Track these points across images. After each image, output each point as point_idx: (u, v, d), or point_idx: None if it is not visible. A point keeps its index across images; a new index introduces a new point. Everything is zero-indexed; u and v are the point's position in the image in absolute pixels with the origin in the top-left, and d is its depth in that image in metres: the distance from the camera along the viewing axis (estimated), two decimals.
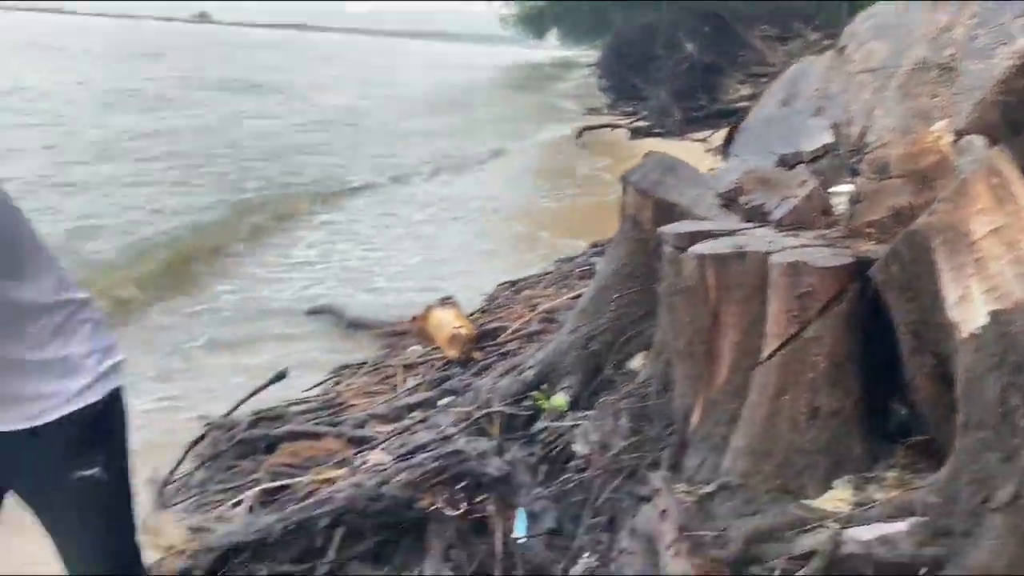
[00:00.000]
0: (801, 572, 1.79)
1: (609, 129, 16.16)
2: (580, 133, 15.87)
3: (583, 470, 2.53)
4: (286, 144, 13.99)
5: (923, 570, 1.65)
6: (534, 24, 42.78)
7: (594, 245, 5.07)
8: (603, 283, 2.87)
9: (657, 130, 15.21)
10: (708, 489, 2.04)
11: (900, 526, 1.79)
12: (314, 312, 5.89)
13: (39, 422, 1.71)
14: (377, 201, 10.27)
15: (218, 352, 5.28)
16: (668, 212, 2.52)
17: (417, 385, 3.68)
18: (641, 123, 16.29)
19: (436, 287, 5.42)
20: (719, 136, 9.53)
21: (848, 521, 1.88)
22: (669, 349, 2.32)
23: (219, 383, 4.76)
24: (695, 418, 2.19)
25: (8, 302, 1.65)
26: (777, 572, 1.83)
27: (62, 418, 1.72)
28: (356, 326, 5.48)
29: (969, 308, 1.66)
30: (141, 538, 2.24)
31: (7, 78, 19.44)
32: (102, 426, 1.79)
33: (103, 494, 1.81)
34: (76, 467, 1.75)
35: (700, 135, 12.66)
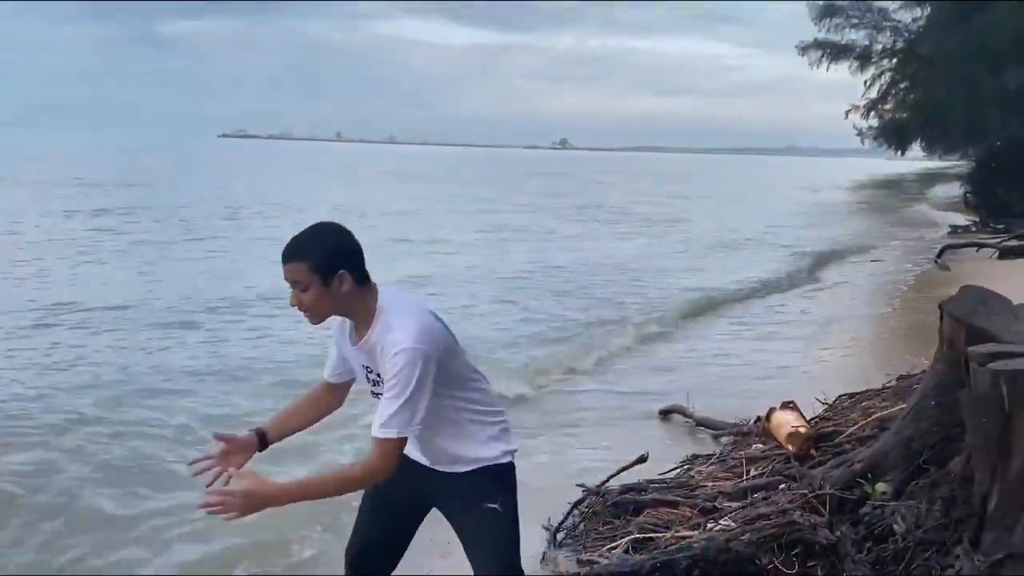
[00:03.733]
0: None
1: (975, 249, 15.45)
2: (941, 252, 15.37)
3: (900, 545, 3.08)
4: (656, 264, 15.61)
5: None
6: (896, 136, 40.95)
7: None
8: (925, 394, 3.43)
9: None
10: (999, 557, 2.54)
11: None
12: (665, 412, 6.79)
13: (465, 470, 2.56)
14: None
15: (587, 434, 6.39)
16: (979, 336, 3.06)
17: (760, 473, 4.38)
18: (1013, 242, 15.38)
19: (781, 394, 6.04)
20: None
21: None
22: (972, 447, 2.85)
23: (587, 458, 5.83)
24: (992, 503, 2.70)
25: (454, 408, 2.50)
26: None
27: (477, 469, 2.56)
28: (703, 425, 6.28)
29: None
30: (540, 565, 3.23)
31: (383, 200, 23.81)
32: (501, 480, 2.60)
33: (499, 523, 2.58)
34: (484, 500, 2.57)
35: None
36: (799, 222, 25.85)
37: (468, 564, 2.64)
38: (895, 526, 3.18)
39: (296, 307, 2.39)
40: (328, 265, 2.33)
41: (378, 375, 2.42)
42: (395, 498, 2.65)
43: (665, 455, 5.51)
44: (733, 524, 3.77)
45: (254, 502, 2.23)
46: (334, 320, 2.50)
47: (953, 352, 3.17)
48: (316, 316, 2.41)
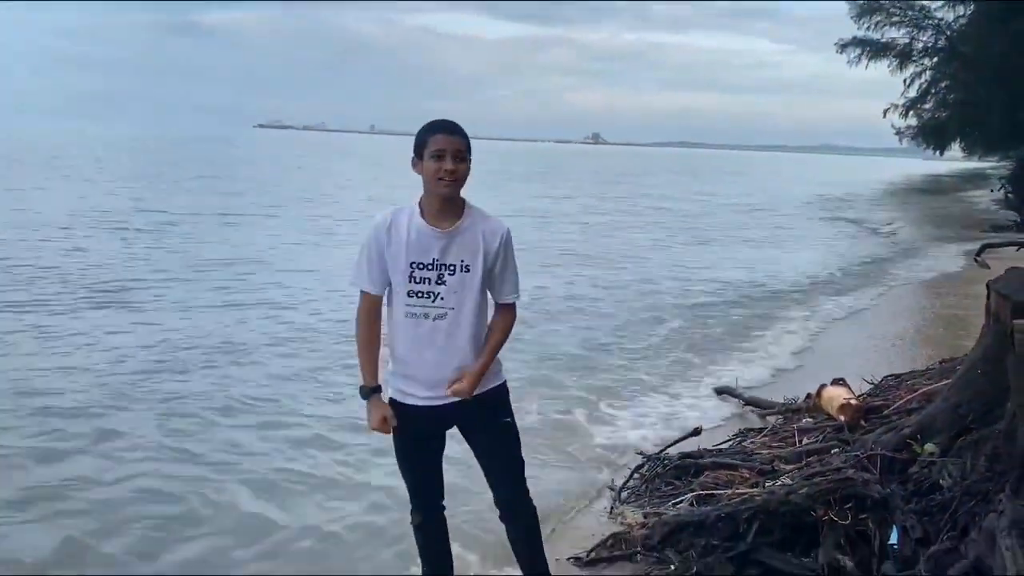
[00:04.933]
0: None
1: (1015, 249, 15.56)
2: (981, 251, 15.51)
3: (946, 496, 3.43)
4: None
5: None
6: (935, 136, 40.58)
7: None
8: (972, 364, 3.77)
9: None
10: None
11: None
12: (719, 391, 7.14)
13: (484, 390, 3.01)
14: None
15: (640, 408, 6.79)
16: (1023, 310, 3.40)
17: (812, 441, 4.74)
18: None
19: (826, 377, 6.37)
20: None
21: None
22: (1015, 406, 3.19)
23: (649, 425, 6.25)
24: None
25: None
26: None
27: (491, 389, 3.04)
28: (752, 404, 6.63)
29: None
30: (608, 519, 3.64)
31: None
32: (506, 397, 3.12)
33: (512, 434, 3.13)
34: (499, 415, 3.09)
35: None
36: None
37: None
38: (942, 481, 3.54)
39: (448, 174, 2.78)
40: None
41: (442, 263, 2.85)
42: (424, 448, 3.10)
43: (716, 432, 5.89)
44: (790, 482, 4.13)
45: (473, 382, 2.93)
46: (375, 231, 2.89)
47: (999, 325, 3.51)
48: (457, 187, 2.83)
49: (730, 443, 5.46)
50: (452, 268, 2.87)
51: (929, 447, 3.72)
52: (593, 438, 5.99)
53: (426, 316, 2.90)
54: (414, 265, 2.85)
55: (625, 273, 14.06)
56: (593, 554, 4.08)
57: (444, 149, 2.78)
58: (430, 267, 2.85)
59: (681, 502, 4.39)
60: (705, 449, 5.23)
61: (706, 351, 8.65)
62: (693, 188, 44.82)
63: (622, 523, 4.43)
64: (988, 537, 2.97)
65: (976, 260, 14.98)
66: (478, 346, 2.98)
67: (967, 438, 3.53)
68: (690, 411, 6.62)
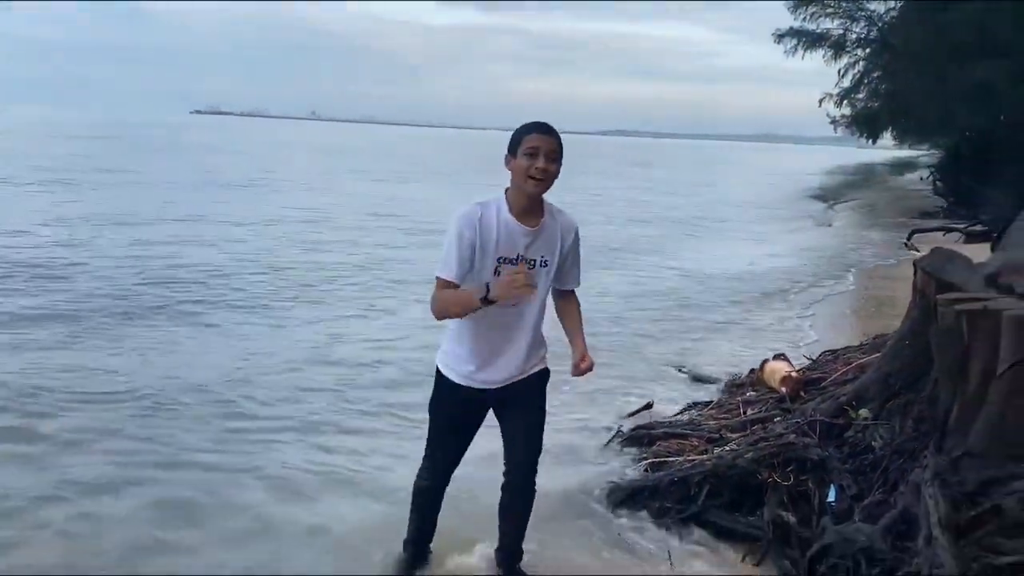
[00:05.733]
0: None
1: (942, 233, 16.31)
2: (911, 235, 16.22)
3: (878, 455, 3.79)
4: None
5: None
6: (868, 125, 41.82)
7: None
8: (900, 337, 4.13)
9: (994, 234, 15.16)
10: (956, 455, 3.25)
11: None
12: (672, 368, 7.47)
13: (531, 373, 3.20)
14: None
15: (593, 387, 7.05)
16: (946, 287, 3.76)
17: (756, 412, 5.08)
18: (977, 228, 16.25)
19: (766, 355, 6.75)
20: None
21: None
22: (938, 372, 3.55)
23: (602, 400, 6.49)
24: (952, 416, 3.41)
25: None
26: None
27: (540, 371, 3.22)
28: (701, 380, 6.98)
29: None
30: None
31: None
32: (547, 382, 3.28)
33: (543, 419, 3.30)
34: (538, 399, 3.26)
35: None
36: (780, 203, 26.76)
37: None
38: (874, 442, 3.90)
39: (540, 172, 2.85)
40: None
41: (525, 258, 2.96)
42: (464, 428, 3.29)
43: (666, 405, 6.20)
44: (737, 448, 4.46)
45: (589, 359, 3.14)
46: (468, 221, 2.91)
47: (925, 300, 3.87)
48: (546, 186, 2.90)
49: (680, 415, 5.79)
50: (532, 263, 2.98)
51: (863, 413, 4.07)
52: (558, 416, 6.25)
53: (503, 307, 2.95)
54: (500, 260, 2.93)
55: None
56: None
57: (538, 147, 2.85)
58: (514, 262, 2.94)
59: (636, 469, 4.69)
60: (656, 421, 5.54)
61: (652, 336, 8.98)
62: (635, 177, 45.39)
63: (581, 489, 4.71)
64: (914, 489, 3.31)
65: (906, 245, 15.68)
66: (539, 334, 3.16)
67: (896, 403, 3.89)
68: (642, 388, 6.94)
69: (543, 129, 2.90)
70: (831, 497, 3.90)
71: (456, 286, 2.93)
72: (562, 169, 2.95)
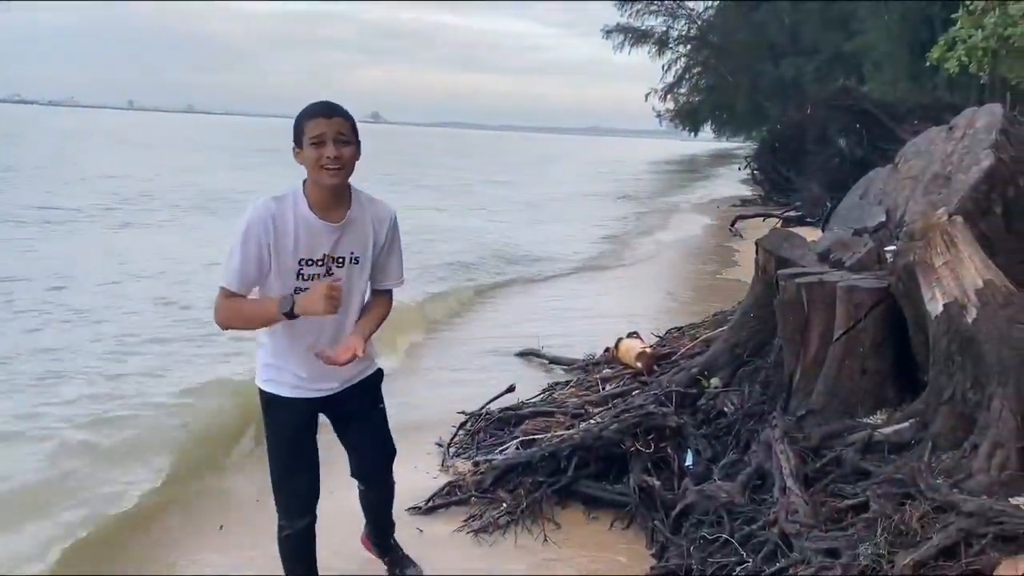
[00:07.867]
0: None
1: (762, 219, 17.54)
2: (734, 221, 17.35)
3: (730, 419, 4.13)
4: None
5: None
6: (690, 118, 44.37)
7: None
8: (745, 310, 4.50)
9: (809, 219, 16.48)
10: (800, 414, 3.60)
11: (906, 424, 3.31)
12: (522, 354, 7.70)
13: (365, 376, 2.99)
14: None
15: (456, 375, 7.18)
16: (784, 263, 4.14)
17: (615, 387, 5.36)
18: (793, 213, 17.62)
19: (617, 334, 7.10)
20: None
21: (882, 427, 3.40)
22: (782, 340, 3.91)
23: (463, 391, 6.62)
24: (796, 379, 3.77)
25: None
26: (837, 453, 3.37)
27: (372, 375, 3.01)
28: (556, 362, 7.25)
29: (934, 304, 3.21)
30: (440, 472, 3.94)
31: None
32: (381, 383, 3.09)
33: (384, 417, 3.11)
34: (378, 401, 3.07)
35: None
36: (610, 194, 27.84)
37: None
38: (726, 408, 4.23)
39: (330, 160, 2.50)
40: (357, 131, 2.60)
41: (331, 256, 2.64)
42: (303, 443, 2.92)
43: (528, 387, 6.41)
44: (601, 421, 4.70)
45: (362, 345, 2.71)
46: (259, 222, 2.55)
47: (766, 276, 4.24)
48: (345, 175, 2.55)
49: (542, 396, 6.01)
50: (340, 260, 2.67)
51: (714, 381, 4.41)
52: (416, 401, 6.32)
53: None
54: (303, 262, 2.62)
55: None
56: (431, 503, 4.43)
57: (324, 133, 2.50)
58: (320, 263, 2.64)
59: (507, 448, 4.85)
60: (522, 402, 5.73)
61: (490, 322, 9.19)
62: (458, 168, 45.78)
63: (455, 474, 4.82)
64: (766, 447, 3.64)
65: (731, 230, 16.77)
66: None
67: (744, 371, 4.24)
68: (500, 373, 7.12)
69: (326, 111, 2.54)
70: (689, 461, 4.21)
71: (242, 296, 2.62)
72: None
